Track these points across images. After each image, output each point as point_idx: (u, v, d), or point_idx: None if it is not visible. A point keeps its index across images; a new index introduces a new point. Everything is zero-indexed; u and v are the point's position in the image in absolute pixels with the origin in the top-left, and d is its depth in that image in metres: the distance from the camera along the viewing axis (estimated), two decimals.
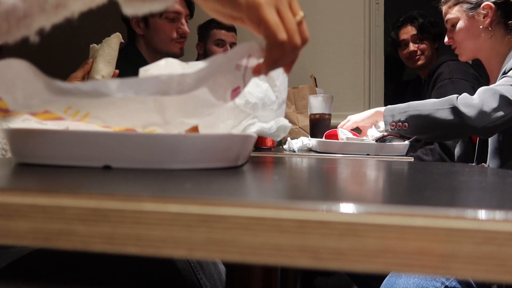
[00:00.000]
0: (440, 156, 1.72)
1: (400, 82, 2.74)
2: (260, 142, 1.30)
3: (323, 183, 0.42)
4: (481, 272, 0.21)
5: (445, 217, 0.21)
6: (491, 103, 1.11)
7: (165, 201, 0.23)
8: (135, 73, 1.70)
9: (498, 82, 1.18)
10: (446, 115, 1.13)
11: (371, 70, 2.52)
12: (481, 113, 1.10)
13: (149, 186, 0.31)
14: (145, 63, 1.52)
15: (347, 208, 0.22)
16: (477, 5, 1.31)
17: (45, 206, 0.24)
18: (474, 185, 0.40)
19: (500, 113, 1.11)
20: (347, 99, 2.44)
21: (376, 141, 1.20)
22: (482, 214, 0.21)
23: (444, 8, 1.39)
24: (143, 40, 1.56)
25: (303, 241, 0.22)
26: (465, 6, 1.33)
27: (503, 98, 1.11)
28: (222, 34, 2.05)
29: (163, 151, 0.40)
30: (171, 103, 0.43)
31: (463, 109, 1.11)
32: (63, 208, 0.24)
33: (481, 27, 1.30)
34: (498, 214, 0.21)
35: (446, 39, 1.40)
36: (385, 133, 1.22)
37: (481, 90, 1.15)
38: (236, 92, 0.46)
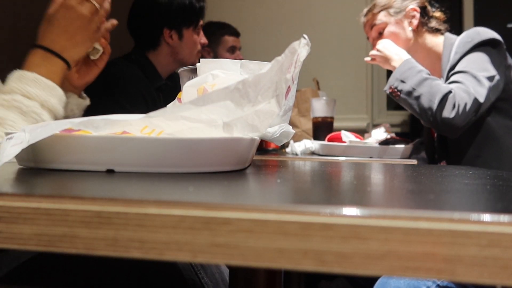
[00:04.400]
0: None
1: None
2: (264, 144, 1.31)
3: (326, 186, 0.42)
4: (486, 275, 0.20)
5: (449, 220, 0.21)
6: (467, 104, 1.18)
7: (168, 205, 0.23)
8: (140, 76, 1.68)
9: (458, 78, 1.24)
10: (429, 104, 1.19)
11: (374, 73, 2.52)
12: (462, 113, 1.17)
13: (152, 190, 0.31)
14: (155, 72, 1.53)
15: (350, 211, 0.22)
16: (403, 8, 1.40)
17: (49, 210, 0.24)
18: (478, 187, 0.40)
19: (471, 113, 1.19)
20: (349, 102, 2.44)
21: (379, 144, 1.20)
22: (486, 216, 0.21)
23: (365, 19, 1.48)
24: (169, 51, 1.52)
25: (307, 245, 0.22)
26: (392, 10, 1.41)
27: (474, 98, 1.18)
28: (233, 40, 2.11)
29: (166, 155, 0.40)
30: (238, 121, 0.44)
31: (448, 108, 1.17)
32: (67, 212, 0.24)
33: (410, 28, 1.40)
34: (503, 217, 0.21)
35: (373, 50, 1.43)
36: (388, 136, 1.22)
37: (457, 89, 1.20)
38: (288, 92, 0.47)
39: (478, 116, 1.23)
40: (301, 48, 0.45)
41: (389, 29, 1.39)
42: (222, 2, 2.62)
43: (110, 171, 0.40)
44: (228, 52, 2.09)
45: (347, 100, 2.45)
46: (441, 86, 1.21)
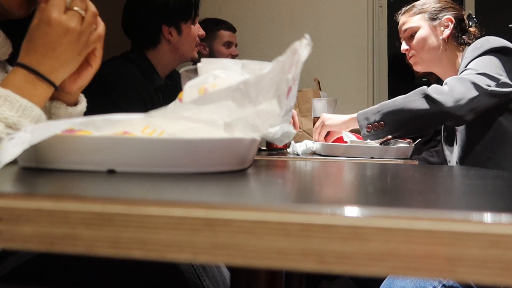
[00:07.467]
0: (446, 157, 1.72)
1: (413, 86, 2.75)
2: (272, 143, 1.31)
3: (327, 187, 0.42)
4: (487, 276, 0.20)
5: (450, 220, 0.21)
6: (460, 88, 1.16)
7: (170, 205, 0.23)
8: (138, 76, 1.67)
9: (461, 75, 1.23)
10: (420, 104, 1.16)
11: (375, 73, 2.52)
12: (453, 98, 1.14)
13: (153, 190, 0.31)
14: (154, 71, 1.52)
15: (351, 211, 0.22)
16: (440, 16, 1.38)
17: (50, 211, 0.24)
18: (480, 188, 0.40)
19: (470, 96, 1.15)
20: (350, 102, 2.44)
21: (380, 144, 1.20)
22: (487, 217, 0.21)
23: (402, 18, 1.45)
24: (169, 47, 1.53)
25: (308, 245, 0.22)
26: (428, 16, 1.39)
27: (470, 83, 1.16)
28: (229, 35, 2.09)
29: (167, 155, 0.40)
30: (239, 121, 0.44)
31: (435, 96, 1.15)
32: (68, 213, 0.24)
33: (441, 38, 1.37)
34: (504, 218, 0.21)
35: (403, 47, 1.43)
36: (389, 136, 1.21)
37: (448, 79, 1.19)
38: (289, 92, 0.47)
39: (485, 106, 1.18)
40: (303, 48, 0.45)
41: (421, 33, 1.37)
42: (221, 1, 2.62)
43: (111, 172, 0.40)
44: (224, 46, 2.07)
45: (348, 100, 2.45)
46: (415, 90, 1.19)
